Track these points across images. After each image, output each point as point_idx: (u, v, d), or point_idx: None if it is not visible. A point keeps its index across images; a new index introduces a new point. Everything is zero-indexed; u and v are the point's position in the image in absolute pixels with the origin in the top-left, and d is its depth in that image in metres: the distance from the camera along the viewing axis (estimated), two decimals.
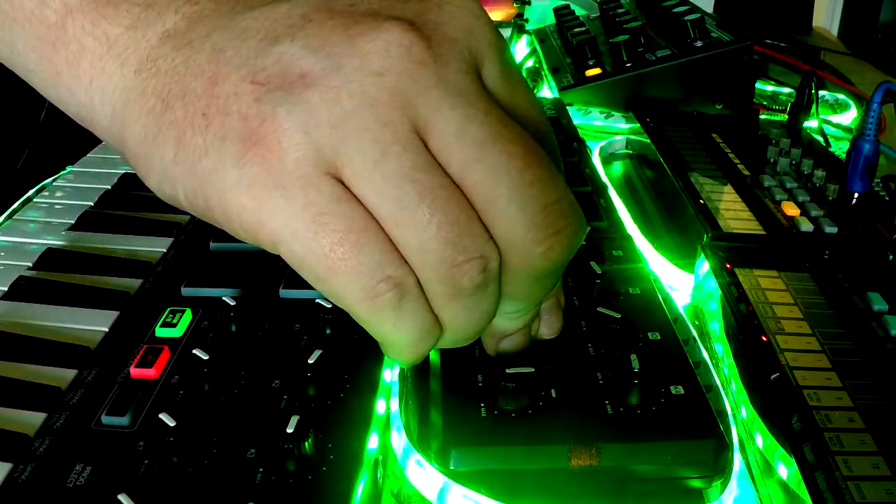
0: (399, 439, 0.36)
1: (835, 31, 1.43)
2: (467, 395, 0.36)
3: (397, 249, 0.28)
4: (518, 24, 1.20)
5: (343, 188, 0.28)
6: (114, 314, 0.44)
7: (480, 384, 0.36)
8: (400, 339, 0.30)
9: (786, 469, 0.35)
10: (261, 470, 0.33)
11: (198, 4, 0.31)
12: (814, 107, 0.73)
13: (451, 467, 0.33)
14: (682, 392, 0.36)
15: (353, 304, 0.29)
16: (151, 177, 0.30)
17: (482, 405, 0.35)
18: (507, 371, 0.35)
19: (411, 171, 0.27)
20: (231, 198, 0.28)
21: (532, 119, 0.31)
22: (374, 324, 0.29)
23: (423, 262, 0.28)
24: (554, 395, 0.36)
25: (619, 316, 0.41)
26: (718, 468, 0.34)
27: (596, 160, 0.70)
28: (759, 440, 0.37)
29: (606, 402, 0.36)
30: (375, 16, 0.29)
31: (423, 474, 0.34)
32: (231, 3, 0.30)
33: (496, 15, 1.22)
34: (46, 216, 0.56)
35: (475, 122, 0.28)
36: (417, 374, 0.38)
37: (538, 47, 1.03)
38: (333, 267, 0.28)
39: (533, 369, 0.36)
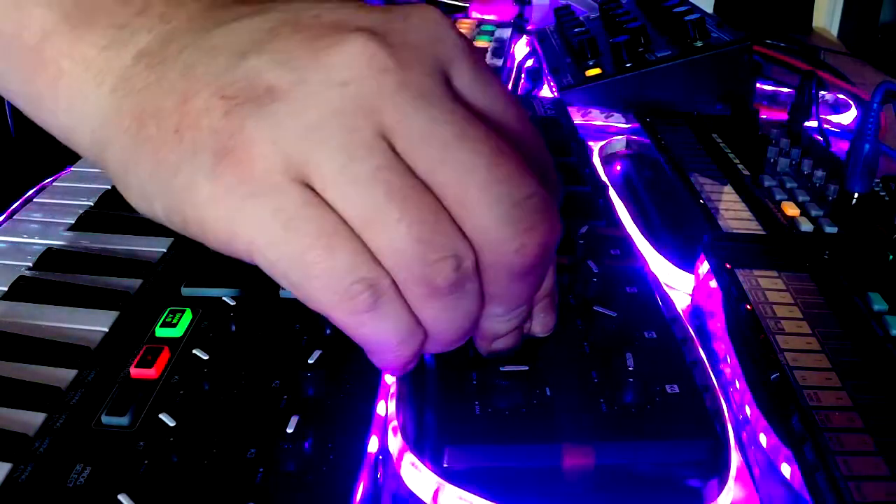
0: (394, 439, 0.36)
1: (835, 31, 1.43)
2: (461, 393, 0.36)
3: (370, 252, 0.28)
4: (518, 24, 1.20)
5: (313, 194, 0.28)
6: (114, 314, 0.44)
7: (474, 382, 0.36)
8: (381, 342, 0.30)
9: (788, 469, 0.35)
10: (261, 470, 0.33)
11: (171, 23, 0.31)
12: (814, 107, 0.73)
13: (445, 465, 0.33)
14: (678, 391, 0.36)
15: (329, 308, 0.29)
16: (131, 195, 0.31)
17: (476, 403, 0.35)
18: (502, 369, 0.35)
19: (378, 174, 0.28)
20: (205, 211, 0.28)
21: (509, 118, 0.31)
22: (353, 327, 0.29)
23: (396, 262, 0.28)
24: (548, 393, 0.36)
25: (615, 315, 0.41)
26: (714, 468, 0.34)
27: (596, 160, 0.70)
28: (762, 440, 0.37)
29: (601, 400, 0.36)
30: (340, 27, 0.29)
31: (418, 475, 0.34)
32: (203, 20, 0.31)
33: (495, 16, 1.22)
34: (46, 216, 0.56)
35: (439, 123, 0.28)
36: (413, 373, 0.38)
37: (538, 47, 1.03)
38: (306, 271, 0.28)
39: (527, 367, 0.36)
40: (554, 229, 0.30)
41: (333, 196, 0.28)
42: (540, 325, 0.37)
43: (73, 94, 0.31)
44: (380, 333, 0.30)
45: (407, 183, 0.28)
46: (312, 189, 0.28)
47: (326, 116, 0.28)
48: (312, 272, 0.28)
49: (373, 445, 0.35)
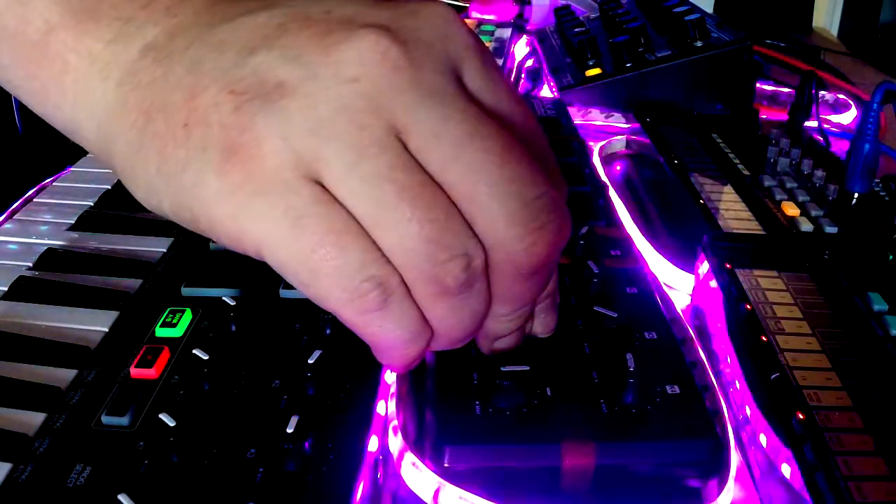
0: (395, 439, 0.36)
1: (835, 31, 1.43)
2: (462, 392, 0.36)
3: (380, 250, 0.28)
4: (518, 24, 1.20)
5: (323, 191, 0.28)
6: (114, 314, 0.44)
7: (475, 382, 0.36)
8: (389, 340, 0.30)
9: (788, 469, 0.35)
10: (261, 470, 0.33)
11: (177, 17, 0.31)
12: (814, 107, 0.73)
13: (446, 465, 0.33)
14: (678, 392, 0.36)
15: (339, 306, 0.29)
16: (137, 190, 0.31)
17: (477, 403, 0.35)
18: (503, 369, 0.35)
19: (389, 172, 0.28)
20: (214, 207, 0.28)
21: (517, 117, 0.31)
22: (362, 326, 0.29)
23: (406, 261, 0.28)
24: (549, 393, 0.36)
25: (615, 315, 0.41)
26: (714, 468, 0.34)
27: (596, 160, 0.71)
28: (762, 440, 0.37)
29: (602, 400, 0.36)
30: (350, 23, 0.29)
31: (418, 474, 0.34)
32: (210, 15, 0.31)
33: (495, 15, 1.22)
34: (46, 216, 0.56)
35: (452, 122, 0.28)
36: (413, 373, 0.38)
37: (538, 47, 1.04)
38: (316, 269, 0.28)
39: (528, 367, 0.36)
40: (563, 229, 0.30)
41: (343, 193, 0.28)
42: (541, 325, 0.37)
43: (78, 89, 0.31)
44: (388, 332, 0.30)
45: (418, 181, 0.28)
46: (322, 186, 0.28)
47: (337, 113, 0.28)
48: (322, 270, 0.28)
49: (373, 445, 0.35)
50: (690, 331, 0.44)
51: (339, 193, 0.28)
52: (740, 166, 0.64)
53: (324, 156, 0.27)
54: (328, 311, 0.29)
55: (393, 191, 0.28)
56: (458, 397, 0.35)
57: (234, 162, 0.28)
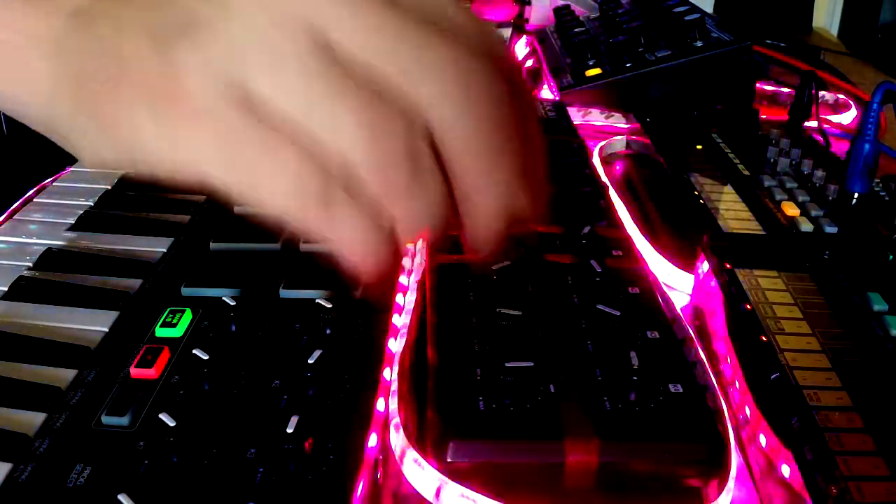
0: (397, 436, 0.36)
1: (835, 31, 1.43)
2: (466, 388, 0.36)
3: (318, 154, 0.29)
4: (518, 24, 1.20)
5: (251, 109, 0.28)
6: (114, 314, 0.44)
7: (479, 378, 0.36)
8: (347, 235, 0.30)
9: (788, 469, 0.35)
10: (261, 470, 0.33)
11: None
12: (814, 107, 0.73)
13: (449, 460, 0.33)
14: (680, 391, 0.36)
15: (285, 210, 0.29)
16: (82, 154, 0.32)
17: (480, 399, 0.35)
18: (507, 365, 0.35)
19: (314, 71, 0.28)
20: (155, 150, 0.29)
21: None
22: (314, 225, 0.29)
23: (345, 153, 0.28)
24: (553, 390, 0.36)
25: (618, 314, 0.41)
26: (715, 467, 0.34)
27: (596, 160, 0.70)
28: (762, 440, 0.37)
29: (605, 398, 0.36)
30: None
31: (420, 472, 0.34)
32: None
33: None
34: (46, 216, 0.56)
35: (364, 12, 0.29)
36: (416, 370, 0.38)
37: (538, 47, 1.04)
38: (254, 184, 0.28)
39: (532, 364, 0.36)
40: (490, 85, 0.29)
41: (271, 105, 0.28)
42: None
43: (17, 66, 0.32)
44: (343, 224, 0.29)
45: (340, 73, 0.28)
46: (250, 104, 0.28)
47: (252, 32, 0.28)
48: (261, 185, 0.28)
49: (373, 444, 0.35)
50: (690, 331, 0.44)
51: (267, 107, 0.28)
52: (740, 166, 0.64)
53: (245, 73, 0.28)
54: (283, 219, 0.29)
55: (321, 86, 0.28)
56: (461, 393, 0.36)
57: (163, 101, 0.28)
